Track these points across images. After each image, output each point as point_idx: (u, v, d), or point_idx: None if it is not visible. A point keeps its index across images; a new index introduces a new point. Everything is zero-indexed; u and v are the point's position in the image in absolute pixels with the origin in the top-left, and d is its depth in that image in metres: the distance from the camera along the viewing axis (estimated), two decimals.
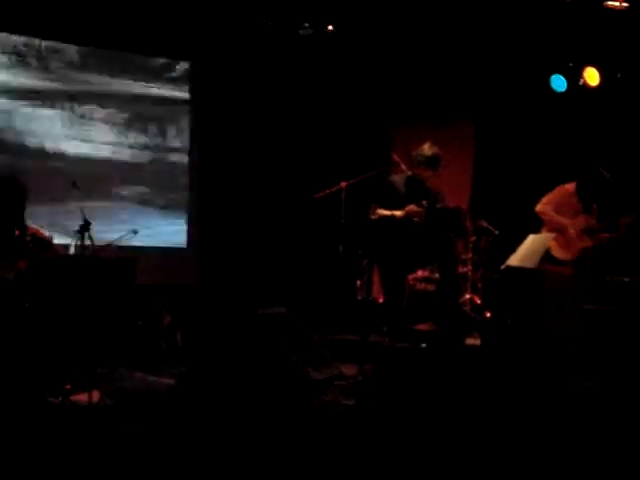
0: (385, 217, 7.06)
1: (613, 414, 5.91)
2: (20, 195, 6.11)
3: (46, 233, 6.31)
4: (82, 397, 5.73)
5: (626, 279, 7.93)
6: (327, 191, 7.75)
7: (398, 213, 7.06)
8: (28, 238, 6.04)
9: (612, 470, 4.82)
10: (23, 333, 5.74)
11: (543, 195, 7.67)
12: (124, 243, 7.61)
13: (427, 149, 7.18)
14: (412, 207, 7.03)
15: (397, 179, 7.31)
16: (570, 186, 7.59)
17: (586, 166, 7.62)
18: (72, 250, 6.86)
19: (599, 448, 5.14)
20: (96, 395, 5.64)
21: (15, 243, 5.98)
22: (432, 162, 7.17)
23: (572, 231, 7.46)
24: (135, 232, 6.64)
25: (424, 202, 7.04)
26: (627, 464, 4.92)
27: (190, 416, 5.53)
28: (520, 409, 5.72)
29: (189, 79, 9.57)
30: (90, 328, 5.98)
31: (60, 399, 5.72)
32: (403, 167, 7.57)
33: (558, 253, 7.43)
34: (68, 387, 5.83)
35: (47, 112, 8.76)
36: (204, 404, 5.56)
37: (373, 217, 7.13)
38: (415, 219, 6.99)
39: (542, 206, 7.51)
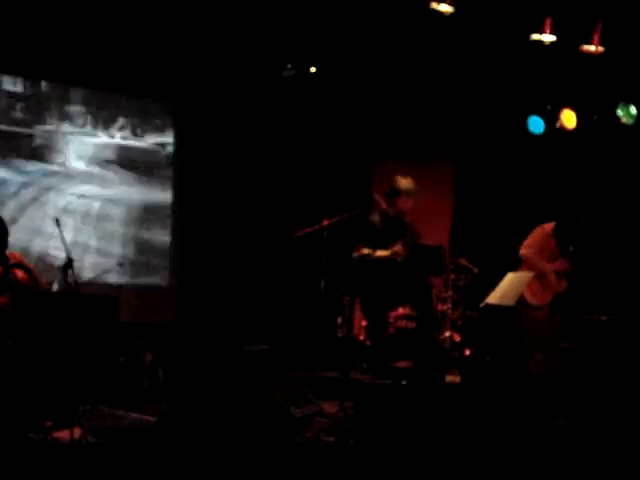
0: (369, 256, 7.11)
1: (592, 452, 5.95)
2: (1, 232, 6.12)
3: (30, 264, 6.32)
4: (63, 434, 5.72)
5: (603, 318, 8.02)
6: (309, 229, 7.81)
7: (384, 253, 7.11)
8: (10, 275, 6.04)
9: None
10: (4, 370, 5.73)
11: (522, 234, 7.75)
12: (107, 280, 7.64)
13: (403, 180, 7.27)
14: (398, 247, 7.07)
15: (375, 218, 7.38)
16: (548, 226, 7.66)
17: (564, 211, 7.70)
18: (55, 287, 6.88)
19: None
20: (77, 432, 5.63)
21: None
22: (412, 192, 7.26)
23: (553, 277, 7.53)
24: (121, 264, 6.66)
25: (408, 241, 7.10)
26: None
27: (171, 454, 5.53)
28: (500, 446, 5.75)
29: (172, 119, 9.66)
30: (72, 365, 5.98)
31: (42, 436, 5.71)
32: (384, 206, 7.64)
33: (532, 299, 7.49)
34: (49, 424, 5.83)
35: None
36: (185, 442, 5.56)
37: (355, 255, 7.17)
38: (399, 259, 7.04)
39: (525, 250, 7.55)
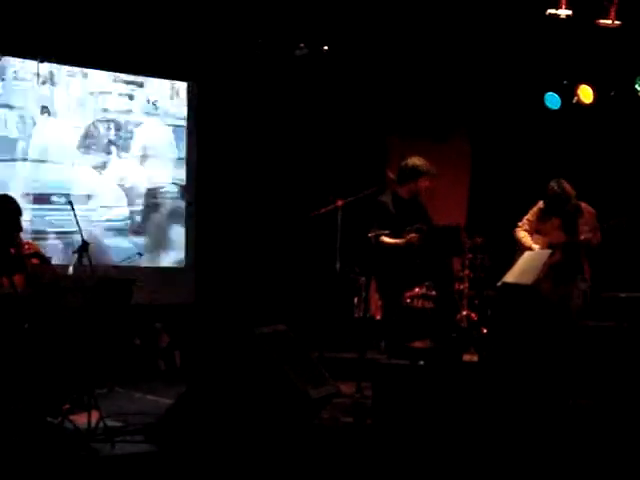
0: (384, 243, 7.07)
1: (611, 431, 5.92)
2: (14, 212, 6.13)
3: (44, 253, 6.33)
4: (81, 417, 5.74)
5: (622, 295, 7.95)
6: (323, 209, 7.79)
7: (399, 241, 7.06)
8: (26, 252, 6.07)
9: None
10: (22, 354, 5.75)
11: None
12: (123, 263, 7.64)
13: (421, 161, 7.21)
14: (413, 236, 7.01)
15: (386, 198, 7.32)
16: (541, 203, 7.66)
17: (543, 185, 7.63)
18: (71, 270, 6.89)
19: (596, 465, 5.16)
20: (95, 415, 5.64)
21: (11, 259, 5.99)
22: (432, 173, 7.21)
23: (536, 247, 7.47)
24: (140, 254, 6.65)
25: (423, 227, 7.04)
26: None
27: (189, 436, 5.54)
28: (518, 425, 5.73)
29: (187, 99, 9.63)
30: (88, 348, 5.99)
31: (59, 419, 5.73)
32: (395, 186, 7.58)
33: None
34: (67, 407, 5.84)
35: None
36: (203, 423, 5.57)
37: (371, 236, 7.11)
38: (415, 246, 6.99)
39: (517, 229, 7.58)
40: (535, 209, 7.66)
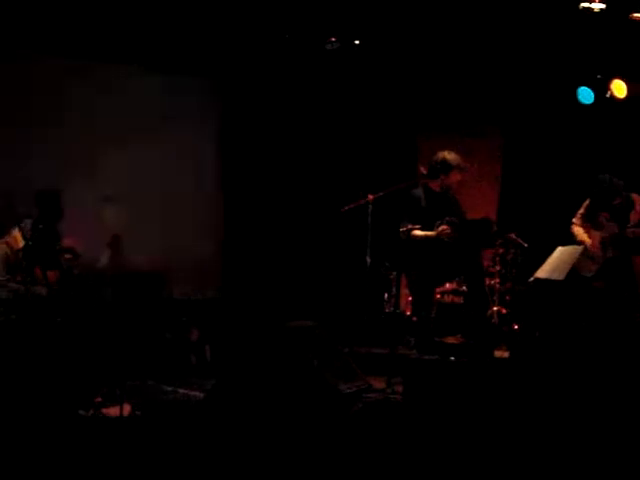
0: (415, 237, 7.05)
1: None
2: (58, 209, 6.20)
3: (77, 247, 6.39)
4: (113, 410, 5.78)
5: None
6: (354, 204, 7.78)
7: (430, 233, 7.03)
8: (58, 247, 6.14)
9: None
10: (55, 347, 5.80)
11: (572, 208, 7.71)
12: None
13: (452, 155, 7.19)
14: (444, 227, 6.98)
15: (418, 192, 7.30)
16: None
17: (590, 180, 7.60)
18: (102, 263, 6.96)
19: (628, 461, 5.12)
20: (127, 408, 5.68)
21: (48, 252, 6.05)
22: (463, 166, 7.20)
23: (591, 244, 7.46)
24: None
25: (454, 219, 7.01)
26: None
27: (220, 429, 5.56)
28: (548, 421, 5.70)
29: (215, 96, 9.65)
30: (120, 341, 6.04)
31: (91, 412, 5.77)
32: (427, 180, 7.56)
33: (581, 270, 7.44)
34: (99, 400, 5.89)
35: None
36: (233, 417, 5.59)
37: (402, 231, 7.10)
38: (445, 239, 6.96)
39: (573, 225, 7.59)
40: (586, 203, 7.66)
